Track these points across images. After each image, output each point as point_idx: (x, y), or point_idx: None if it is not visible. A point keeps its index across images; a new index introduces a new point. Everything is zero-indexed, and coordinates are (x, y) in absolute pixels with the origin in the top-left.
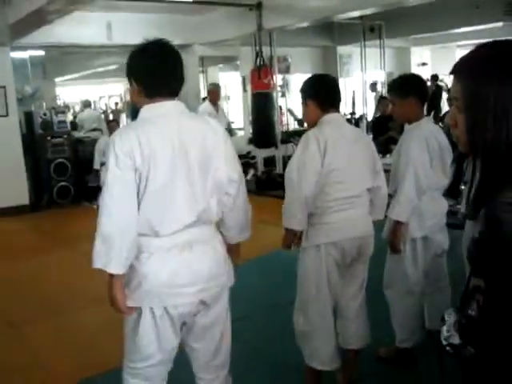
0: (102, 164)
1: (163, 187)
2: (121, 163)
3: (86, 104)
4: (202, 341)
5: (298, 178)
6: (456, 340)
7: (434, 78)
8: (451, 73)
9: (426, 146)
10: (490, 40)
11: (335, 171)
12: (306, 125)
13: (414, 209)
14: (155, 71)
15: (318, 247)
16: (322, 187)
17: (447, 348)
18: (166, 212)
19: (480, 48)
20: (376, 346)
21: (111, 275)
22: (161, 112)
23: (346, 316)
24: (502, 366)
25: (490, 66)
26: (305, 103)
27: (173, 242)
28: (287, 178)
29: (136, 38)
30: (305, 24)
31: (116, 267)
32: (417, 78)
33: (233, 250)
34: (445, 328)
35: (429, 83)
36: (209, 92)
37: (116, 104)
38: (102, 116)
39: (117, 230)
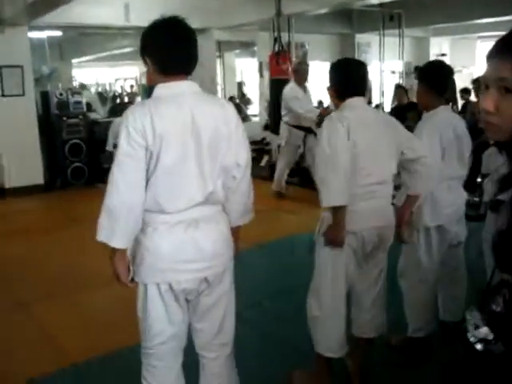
0: (116, 146)
1: (173, 166)
2: (132, 140)
3: None
4: (205, 321)
5: (330, 152)
6: (489, 335)
7: None
8: (493, 55)
9: (437, 136)
10: None
11: (358, 154)
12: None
13: (425, 198)
14: (168, 47)
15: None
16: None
17: (477, 345)
18: (175, 191)
19: None
20: (388, 334)
21: (114, 249)
22: (175, 91)
23: (362, 304)
24: None
25: None
26: (329, 88)
27: (179, 218)
28: (319, 157)
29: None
30: (324, 10)
31: (119, 241)
32: (437, 67)
33: (234, 232)
34: (470, 326)
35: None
36: (295, 71)
37: (131, 87)
38: (118, 99)
39: (122, 205)
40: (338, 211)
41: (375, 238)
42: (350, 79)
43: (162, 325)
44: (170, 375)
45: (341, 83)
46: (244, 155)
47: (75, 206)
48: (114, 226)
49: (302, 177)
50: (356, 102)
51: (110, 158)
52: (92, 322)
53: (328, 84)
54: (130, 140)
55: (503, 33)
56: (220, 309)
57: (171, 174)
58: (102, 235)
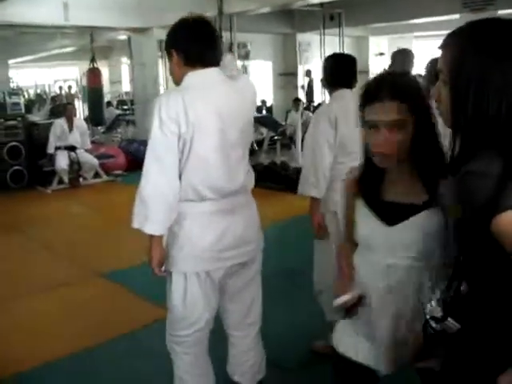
0: (58, 148)
1: (208, 153)
2: (165, 128)
3: None
4: (236, 302)
5: (312, 151)
6: (439, 313)
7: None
8: (440, 47)
9: None
10: (449, 31)
11: (347, 143)
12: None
13: None
14: (196, 39)
15: (335, 213)
16: (336, 157)
17: (430, 322)
18: (210, 178)
19: (471, 24)
20: None
21: (150, 236)
22: (205, 78)
23: None
24: (485, 338)
25: (476, 39)
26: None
27: (216, 206)
28: (304, 152)
29: (93, 20)
30: (265, 10)
31: (152, 228)
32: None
33: None
34: (429, 304)
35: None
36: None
37: (69, 87)
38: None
39: (155, 193)
40: (313, 200)
41: None
42: (339, 71)
43: (200, 312)
44: (204, 359)
45: (331, 75)
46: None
47: (14, 210)
48: (147, 212)
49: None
50: (343, 93)
51: (51, 160)
52: (22, 332)
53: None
54: (162, 127)
55: (438, 32)
56: (250, 290)
57: (206, 162)
58: (136, 222)
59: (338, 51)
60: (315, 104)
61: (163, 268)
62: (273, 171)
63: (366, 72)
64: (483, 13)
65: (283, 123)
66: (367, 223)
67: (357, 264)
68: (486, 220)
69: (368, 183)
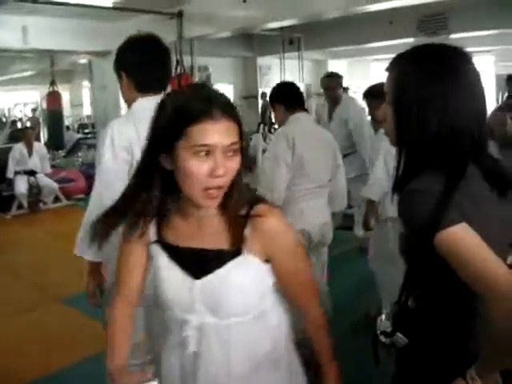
0: (17, 172)
1: None
2: (117, 157)
3: None
4: None
5: (270, 173)
6: (388, 328)
7: (345, 89)
8: (386, 69)
9: None
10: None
11: (304, 163)
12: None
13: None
14: (147, 65)
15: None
16: (293, 178)
17: (380, 337)
18: None
19: (413, 49)
20: None
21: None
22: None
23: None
24: (431, 350)
25: (417, 62)
26: (273, 108)
27: None
28: (261, 168)
29: (52, 43)
30: (225, 34)
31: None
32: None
33: None
34: (380, 317)
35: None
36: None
37: (33, 111)
38: (19, 124)
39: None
40: None
41: (319, 235)
42: (296, 96)
43: None
44: None
45: (290, 99)
46: None
47: None
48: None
49: None
50: (301, 115)
51: (10, 185)
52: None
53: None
54: (115, 155)
55: (394, 55)
56: None
57: None
58: (78, 250)
59: (297, 74)
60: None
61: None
62: None
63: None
64: (437, 36)
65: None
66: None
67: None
68: (429, 236)
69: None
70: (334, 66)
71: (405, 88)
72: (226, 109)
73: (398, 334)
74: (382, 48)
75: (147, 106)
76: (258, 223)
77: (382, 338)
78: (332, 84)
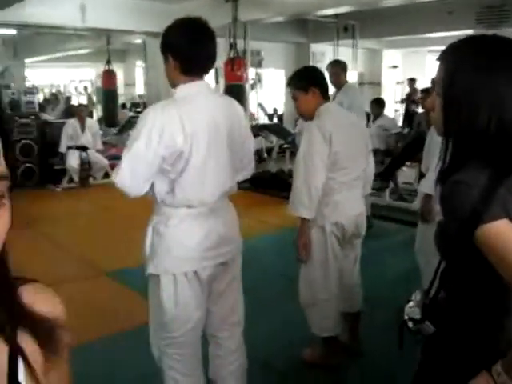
0: (69, 147)
1: (202, 165)
2: (151, 149)
3: None
4: (219, 304)
5: (305, 170)
6: (417, 315)
7: (412, 80)
8: (438, 59)
9: None
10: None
11: (340, 159)
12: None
13: None
14: (193, 47)
15: (322, 227)
16: (327, 173)
17: (408, 323)
18: (202, 188)
19: (468, 39)
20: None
21: None
22: (197, 91)
23: (348, 283)
24: (459, 342)
25: (470, 53)
26: (305, 92)
27: (201, 210)
28: (296, 170)
29: (109, 23)
30: (280, 19)
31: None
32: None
33: None
34: (409, 305)
35: (406, 87)
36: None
37: (85, 88)
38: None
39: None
40: (303, 220)
41: (353, 226)
42: (326, 82)
43: (190, 311)
44: (197, 360)
45: (326, 84)
46: (251, 147)
47: (24, 207)
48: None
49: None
50: (331, 106)
51: (62, 159)
52: None
53: (309, 85)
54: (149, 147)
55: None
56: (233, 290)
57: (200, 171)
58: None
59: (351, 62)
60: None
61: (147, 272)
62: (280, 179)
63: (379, 84)
64: (497, 29)
65: (293, 131)
66: None
67: None
68: (470, 229)
69: None
70: (389, 56)
71: (456, 79)
72: None
73: (427, 322)
74: (439, 39)
75: (190, 92)
76: None
77: (410, 324)
78: (335, 70)
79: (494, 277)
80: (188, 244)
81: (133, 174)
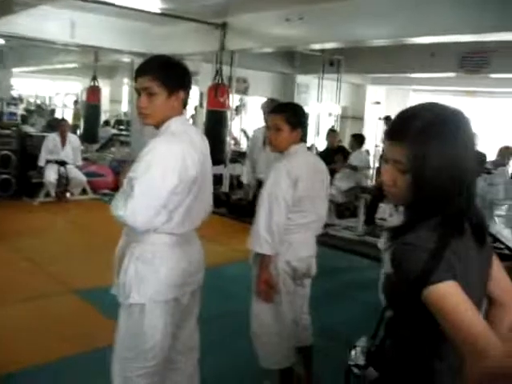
0: (48, 161)
1: (195, 194)
2: (168, 174)
3: None
4: (184, 327)
5: (269, 208)
6: (361, 361)
7: (388, 119)
8: (389, 138)
9: None
10: (445, 88)
11: (301, 202)
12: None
13: None
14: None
15: (275, 264)
16: (288, 213)
17: (353, 368)
18: (191, 216)
19: (421, 112)
20: None
21: None
22: (189, 124)
23: (301, 316)
24: None
25: (433, 130)
26: (293, 129)
27: (184, 237)
28: (259, 206)
29: (98, 40)
30: (268, 50)
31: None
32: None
33: None
34: (354, 351)
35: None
36: None
37: (76, 102)
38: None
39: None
40: (264, 256)
41: (305, 267)
42: (306, 126)
43: (169, 338)
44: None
45: (306, 129)
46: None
47: None
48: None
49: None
50: (302, 148)
51: (40, 173)
52: (4, 336)
53: (296, 125)
54: (165, 178)
55: (434, 88)
56: (194, 315)
57: (196, 199)
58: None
59: (335, 96)
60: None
61: (127, 301)
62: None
63: (361, 119)
64: (478, 74)
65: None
66: None
67: None
68: (418, 289)
69: None
70: (373, 91)
71: (426, 162)
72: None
73: (370, 368)
74: (423, 79)
75: (183, 126)
76: None
77: (354, 370)
78: (269, 107)
79: (431, 328)
80: (176, 271)
81: (148, 207)
